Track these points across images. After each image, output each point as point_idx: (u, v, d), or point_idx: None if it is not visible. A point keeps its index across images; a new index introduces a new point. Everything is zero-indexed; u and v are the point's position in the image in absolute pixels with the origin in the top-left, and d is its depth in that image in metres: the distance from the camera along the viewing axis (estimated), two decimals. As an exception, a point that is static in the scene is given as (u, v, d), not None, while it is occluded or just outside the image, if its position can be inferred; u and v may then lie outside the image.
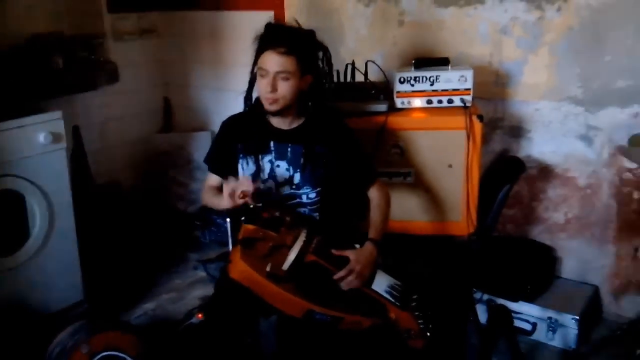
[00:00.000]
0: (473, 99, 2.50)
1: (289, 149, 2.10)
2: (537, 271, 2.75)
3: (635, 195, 2.62)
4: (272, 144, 2.11)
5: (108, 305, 2.98)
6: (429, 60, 2.61)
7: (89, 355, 2.27)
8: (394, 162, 2.49)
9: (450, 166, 2.46)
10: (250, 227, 1.94)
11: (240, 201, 1.88)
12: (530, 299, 2.66)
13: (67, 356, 2.26)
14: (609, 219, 2.70)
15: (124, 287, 3.14)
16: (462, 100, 2.49)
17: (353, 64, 2.70)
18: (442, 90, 2.51)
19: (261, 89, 2.02)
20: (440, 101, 2.52)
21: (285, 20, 3.21)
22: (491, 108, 2.84)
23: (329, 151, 2.11)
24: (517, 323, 2.62)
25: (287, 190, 2.12)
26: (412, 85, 2.53)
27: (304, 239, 1.96)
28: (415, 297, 2.00)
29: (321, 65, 2.15)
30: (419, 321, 1.93)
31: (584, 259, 2.81)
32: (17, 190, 2.64)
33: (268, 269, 1.80)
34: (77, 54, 3.28)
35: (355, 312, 1.87)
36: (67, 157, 2.86)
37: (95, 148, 3.46)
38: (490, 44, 2.80)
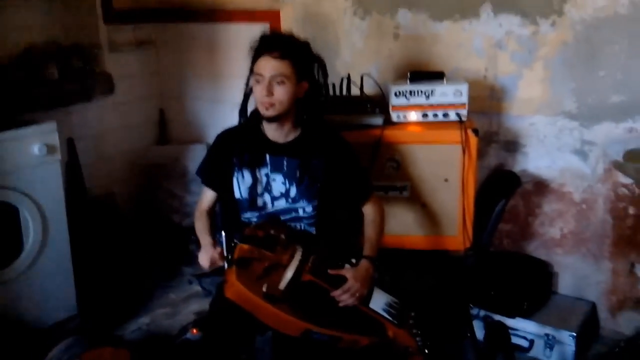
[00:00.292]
0: (468, 113, 2.51)
1: (285, 162, 2.10)
2: (533, 287, 2.74)
3: (631, 210, 2.62)
4: (267, 157, 2.11)
5: (102, 319, 2.95)
6: (425, 74, 2.61)
7: (82, 371, 2.25)
8: (389, 175, 2.48)
9: (446, 180, 2.46)
10: (245, 246, 1.92)
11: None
12: (527, 315, 2.65)
13: (60, 372, 2.24)
14: (604, 234, 2.70)
15: (118, 301, 3.12)
16: (458, 115, 2.49)
17: (349, 77, 2.70)
18: (438, 104, 2.52)
19: (257, 95, 2.02)
20: (435, 115, 2.52)
21: (283, 31, 3.22)
22: (486, 122, 2.85)
23: (325, 164, 2.11)
24: (514, 340, 2.61)
25: (283, 204, 2.11)
26: (408, 99, 2.53)
27: (299, 258, 1.95)
28: (412, 314, 2.00)
29: (316, 76, 2.15)
30: (417, 338, 1.92)
31: (580, 274, 2.80)
32: (10, 203, 2.62)
33: (264, 289, 1.78)
34: (72, 65, 3.27)
35: (353, 330, 1.86)
36: (62, 169, 2.85)
37: (90, 160, 3.45)
38: (485, 58, 2.81)
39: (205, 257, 1.97)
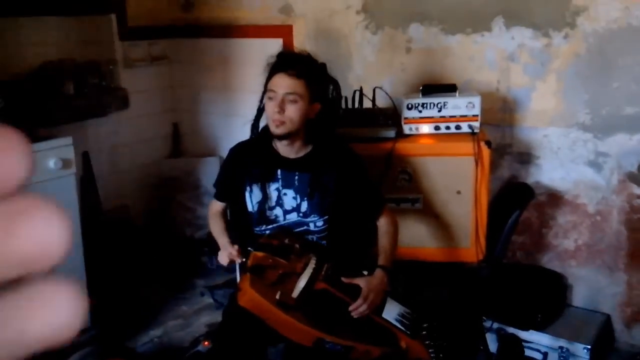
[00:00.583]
0: (481, 125, 2.50)
1: (296, 177, 2.10)
2: (547, 299, 2.71)
3: (646, 222, 2.60)
4: (279, 172, 2.11)
5: (114, 331, 2.95)
6: (437, 87, 2.62)
7: (95, 383, 2.25)
8: (402, 188, 2.48)
9: (458, 192, 2.45)
10: (260, 254, 1.93)
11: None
12: (541, 328, 2.62)
13: (73, 383, 2.25)
14: (619, 246, 2.68)
15: (130, 313, 3.13)
16: (470, 127, 2.49)
17: (361, 90, 2.71)
18: (450, 116, 2.52)
19: (269, 111, 2.02)
20: (448, 127, 2.52)
21: (294, 47, 3.24)
22: (499, 134, 2.84)
23: (336, 180, 2.11)
24: (528, 352, 2.59)
25: (294, 217, 2.12)
26: (420, 111, 2.53)
27: (313, 266, 1.95)
28: (425, 325, 1.99)
29: (330, 97, 2.16)
30: (430, 350, 1.91)
31: (595, 286, 2.78)
32: (26, 216, 2.64)
33: (278, 296, 1.78)
34: (88, 81, 3.31)
35: (366, 341, 1.85)
36: (77, 183, 2.87)
37: (104, 173, 3.49)
38: (497, 71, 2.81)
39: (224, 253, 2.01)
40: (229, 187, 2.19)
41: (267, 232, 2.12)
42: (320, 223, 2.11)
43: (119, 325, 3.02)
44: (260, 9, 3.48)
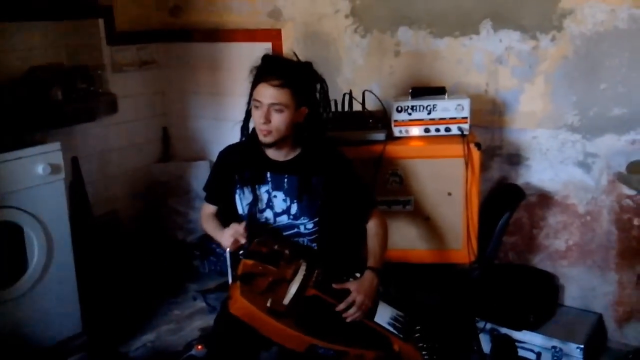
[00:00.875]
0: (470, 127, 2.52)
1: (286, 180, 2.11)
2: (540, 299, 2.73)
3: (636, 221, 2.62)
4: (268, 174, 2.12)
5: (107, 337, 2.94)
6: (426, 90, 2.63)
7: (87, 389, 2.24)
8: (393, 190, 2.49)
9: (449, 194, 2.46)
10: (249, 262, 1.93)
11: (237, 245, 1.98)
12: (533, 328, 2.64)
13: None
14: (609, 246, 2.70)
15: (122, 318, 3.11)
16: (460, 129, 2.51)
17: (350, 93, 2.72)
18: (440, 118, 2.53)
19: (256, 120, 2.03)
20: (437, 129, 2.54)
21: (283, 51, 3.24)
22: (489, 136, 2.86)
23: (325, 182, 2.11)
24: (521, 352, 2.61)
25: (285, 220, 2.12)
26: (410, 114, 2.54)
27: (304, 272, 1.95)
28: (418, 328, 1.99)
29: (318, 96, 2.16)
30: (423, 352, 1.91)
31: (586, 286, 2.79)
32: (15, 222, 2.63)
33: (269, 304, 1.78)
34: (76, 86, 3.29)
35: (359, 345, 1.85)
36: (66, 188, 2.85)
37: (94, 178, 3.47)
38: (486, 73, 2.83)
39: (229, 232, 1.98)
40: (220, 190, 2.19)
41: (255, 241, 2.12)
42: (310, 225, 2.12)
43: (111, 330, 3.00)
44: (249, 13, 3.48)
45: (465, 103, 2.51)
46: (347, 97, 2.71)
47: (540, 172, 2.80)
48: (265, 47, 3.22)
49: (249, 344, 1.92)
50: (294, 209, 2.11)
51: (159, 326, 3.09)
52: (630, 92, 2.52)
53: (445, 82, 2.79)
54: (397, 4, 2.99)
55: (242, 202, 2.13)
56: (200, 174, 3.68)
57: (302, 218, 2.11)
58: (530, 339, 2.64)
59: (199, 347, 2.65)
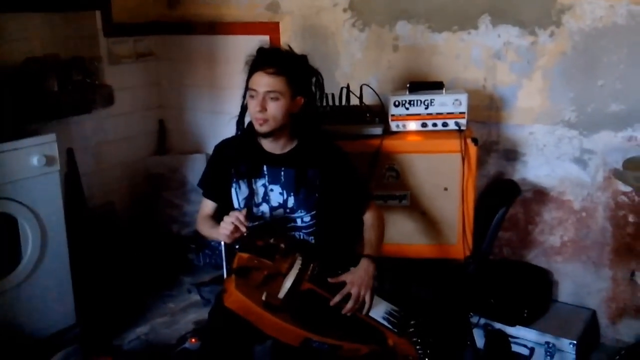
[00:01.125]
0: (468, 122, 2.52)
1: (282, 173, 2.10)
2: (534, 295, 2.73)
3: (631, 218, 2.62)
4: (265, 168, 2.11)
5: (101, 329, 2.94)
6: (424, 84, 2.63)
7: (80, 381, 2.24)
8: (389, 185, 2.49)
9: (445, 189, 2.46)
10: (245, 255, 1.92)
11: (237, 235, 1.92)
12: (527, 324, 2.64)
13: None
14: (604, 242, 2.70)
15: (116, 310, 3.11)
16: (457, 124, 2.51)
17: (348, 87, 2.72)
18: (437, 113, 2.53)
19: (251, 110, 2.03)
20: (435, 124, 2.53)
21: (280, 45, 3.23)
22: (486, 131, 2.86)
23: (322, 175, 2.11)
24: (515, 348, 2.61)
25: (281, 213, 2.12)
26: (407, 108, 2.54)
27: (299, 266, 1.95)
28: (413, 322, 1.99)
29: (314, 89, 2.15)
30: (417, 347, 1.91)
31: (580, 282, 2.80)
32: (9, 213, 2.62)
33: (264, 298, 1.77)
34: (72, 77, 3.28)
35: (353, 339, 1.84)
36: (61, 180, 2.85)
37: (89, 171, 3.46)
38: (484, 69, 2.83)
39: (229, 220, 1.92)
40: (216, 185, 2.18)
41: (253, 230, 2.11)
42: (307, 219, 2.11)
43: (105, 322, 3.00)
44: (246, 5, 3.46)
45: (463, 98, 2.51)
46: (344, 91, 2.71)
47: (536, 168, 2.80)
48: (262, 40, 3.20)
49: (243, 337, 1.91)
50: (290, 202, 2.11)
51: (153, 319, 3.09)
52: (628, 89, 2.52)
53: (443, 77, 2.78)
54: (396, -2, 2.98)
55: (238, 196, 2.13)
56: (196, 167, 3.67)
57: (299, 211, 2.11)
58: (523, 334, 2.65)
59: (193, 340, 2.66)
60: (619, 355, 2.54)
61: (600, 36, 2.54)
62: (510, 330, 2.63)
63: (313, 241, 2.14)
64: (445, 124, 2.52)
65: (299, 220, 2.12)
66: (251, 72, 2.02)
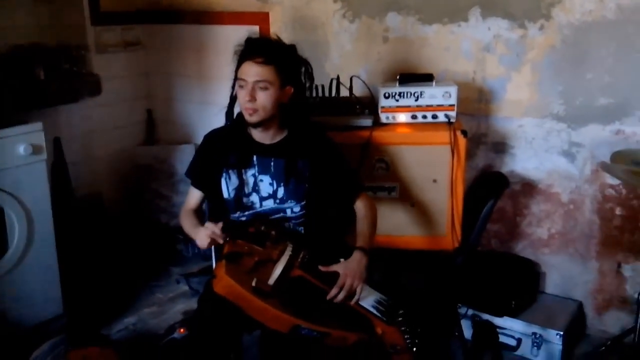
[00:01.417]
0: (457, 114, 2.52)
1: (272, 163, 2.10)
2: (521, 286, 2.76)
3: (618, 211, 2.65)
4: (254, 158, 2.11)
5: (88, 319, 2.93)
6: (414, 76, 2.63)
7: (68, 371, 2.23)
8: (378, 176, 2.49)
9: (434, 181, 2.47)
10: (236, 241, 1.92)
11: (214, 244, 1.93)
12: (514, 315, 2.66)
13: (45, 372, 2.22)
14: (591, 235, 2.73)
15: (104, 300, 3.10)
16: (447, 116, 2.51)
17: (338, 79, 2.71)
18: (427, 105, 2.53)
19: (241, 100, 2.02)
20: (424, 116, 2.54)
21: (269, 35, 3.22)
22: (475, 124, 2.87)
23: (311, 165, 2.11)
24: (502, 338, 2.63)
25: (271, 204, 2.11)
26: (397, 100, 2.54)
27: (290, 253, 1.95)
28: (401, 312, 1.99)
29: (303, 79, 2.15)
30: (405, 336, 1.92)
31: (567, 274, 2.83)
32: (-5, 203, 2.60)
33: (254, 283, 1.77)
34: (59, 66, 3.25)
35: (342, 327, 1.85)
36: (48, 169, 2.82)
37: (76, 160, 3.43)
38: (473, 61, 2.83)
39: (205, 233, 1.92)
40: (204, 174, 2.17)
41: (244, 218, 2.11)
42: (297, 209, 2.11)
43: (93, 312, 2.99)
44: (236, -5, 3.45)
45: (453, 90, 2.51)
46: (334, 82, 2.70)
47: (525, 161, 2.82)
48: (252, 30, 3.19)
49: (231, 326, 1.91)
50: (280, 192, 2.10)
51: (141, 309, 3.08)
52: (616, 83, 2.54)
53: (433, 69, 2.78)
54: (386, -11, 2.98)
55: (228, 186, 2.12)
56: (184, 157, 3.65)
57: (289, 202, 2.11)
58: (511, 325, 2.67)
59: (181, 330, 2.65)
60: (605, 346, 2.57)
61: (590, 30, 2.55)
62: (498, 321, 2.65)
63: (303, 231, 2.13)
64: (434, 116, 2.53)
65: (288, 211, 2.12)
66: (240, 62, 2.01)
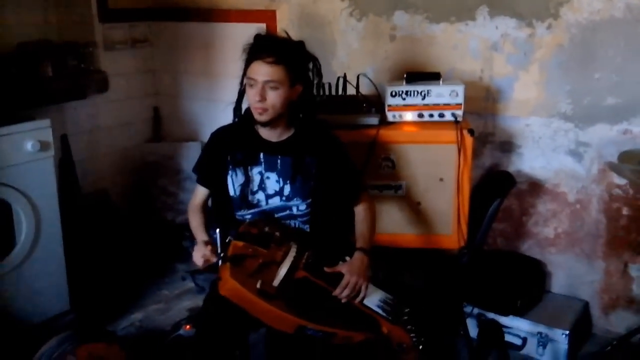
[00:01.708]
0: (464, 113, 2.52)
1: (279, 161, 2.10)
2: (527, 286, 2.75)
3: (624, 211, 2.64)
4: (261, 155, 2.11)
5: (95, 315, 2.94)
6: (421, 75, 2.62)
7: (74, 367, 2.24)
8: (385, 175, 2.49)
9: (441, 180, 2.47)
10: (240, 243, 1.92)
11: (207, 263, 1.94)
12: (520, 314, 2.66)
13: (52, 367, 2.23)
14: (598, 234, 2.72)
15: (111, 297, 3.11)
16: (453, 115, 2.51)
17: (345, 77, 2.71)
18: (434, 104, 2.53)
19: (250, 99, 2.02)
20: (431, 115, 2.54)
21: (277, 32, 3.22)
22: (482, 123, 2.86)
23: (318, 162, 2.11)
24: (508, 338, 2.63)
25: (277, 202, 2.11)
26: (404, 99, 2.54)
27: (294, 254, 1.95)
28: (407, 310, 2.00)
29: (311, 76, 2.15)
30: (411, 335, 1.92)
31: (573, 273, 2.82)
32: (3, 199, 2.61)
33: (258, 286, 1.78)
34: (67, 63, 3.26)
35: (348, 327, 1.85)
36: (55, 166, 2.84)
37: (83, 157, 3.44)
38: (481, 60, 2.83)
39: (198, 254, 1.96)
40: (211, 172, 2.18)
41: (249, 216, 2.12)
42: (303, 207, 2.11)
43: (99, 308, 3.00)
44: (243, -7, 3.45)
45: (460, 89, 2.51)
46: (341, 80, 2.70)
47: (531, 160, 2.81)
48: (259, 28, 3.19)
49: (237, 325, 1.92)
50: (286, 190, 2.10)
51: (147, 306, 3.10)
52: (624, 82, 2.53)
53: (440, 67, 2.78)
54: (394, -13, 2.97)
55: (234, 183, 2.12)
56: (191, 154, 3.66)
57: (295, 199, 2.11)
58: (516, 324, 2.67)
59: (187, 327, 2.66)
60: (611, 345, 2.56)
61: (598, 29, 2.54)
62: (504, 320, 2.65)
63: (308, 229, 2.14)
64: (441, 115, 2.52)
65: (294, 209, 2.12)
66: (249, 61, 2.01)
